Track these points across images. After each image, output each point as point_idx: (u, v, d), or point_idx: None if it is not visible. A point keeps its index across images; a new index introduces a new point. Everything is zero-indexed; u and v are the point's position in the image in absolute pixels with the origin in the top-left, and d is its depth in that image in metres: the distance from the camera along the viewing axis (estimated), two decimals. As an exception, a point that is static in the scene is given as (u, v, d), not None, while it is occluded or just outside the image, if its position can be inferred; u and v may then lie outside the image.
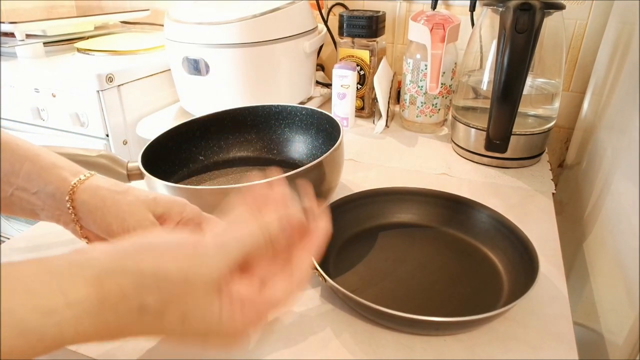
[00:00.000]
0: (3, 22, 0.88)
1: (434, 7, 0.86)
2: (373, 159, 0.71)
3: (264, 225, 0.29)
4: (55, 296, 0.22)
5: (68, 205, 0.36)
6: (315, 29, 0.85)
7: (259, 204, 0.32)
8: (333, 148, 0.50)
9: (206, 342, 0.27)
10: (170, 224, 0.37)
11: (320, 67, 1.04)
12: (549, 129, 0.68)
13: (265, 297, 0.28)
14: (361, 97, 0.86)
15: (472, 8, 0.84)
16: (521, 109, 0.58)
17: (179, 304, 0.25)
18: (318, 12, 0.93)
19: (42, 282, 0.22)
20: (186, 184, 0.59)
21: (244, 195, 0.33)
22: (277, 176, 0.44)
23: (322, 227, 0.32)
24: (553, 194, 0.62)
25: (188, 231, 0.27)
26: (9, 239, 0.81)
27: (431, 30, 0.70)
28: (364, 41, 0.81)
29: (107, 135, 0.82)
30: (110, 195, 0.36)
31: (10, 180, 0.36)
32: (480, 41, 0.70)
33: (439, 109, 0.79)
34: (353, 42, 0.82)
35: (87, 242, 0.39)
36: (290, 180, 0.45)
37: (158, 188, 0.47)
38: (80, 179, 0.36)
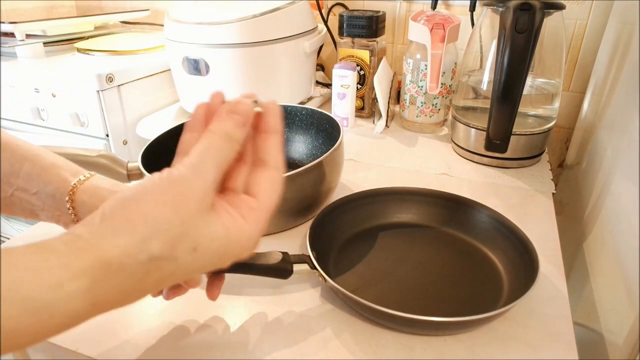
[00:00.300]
0: (3, 22, 0.88)
1: (434, 7, 0.86)
2: (373, 159, 0.71)
3: (216, 128, 0.28)
4: (59, 270, 0.21)
5: (68, 206, 0.36)
6: (315, 29, 0.85)
7: (201, 121, 0.31)
8: (333, 148, 0.50)
9: (224, 261, 0.27)
10: None
11: (320, 67, 1.04)
12: (549, 129, 0.68)
13: (258, 198, 0.28)
14: (361, 97, 0.86)
15: (472, 8, 0.84)
16: (521, 109, 0.58)
17: (185, 238, 0.24)
18: (318, 12, 0.93)
19: (42, 259, 0.21)
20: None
21: (186, 126, 0.32)
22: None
23: (268, 105, 0.30)
24: (553, 194, 0.62)
25: (158, 175, 0.26)
26: (9, 239, 0.81)
27: (431, 30, 0.70)
28: (364, 41, 0.81)
29: (107, 135, 0.82)
30: (110, 195, 0.36)
31: (10, 180, 0.36)
32: (480, 41, 0.70)
33: (439, 109, 0.79)
34: (353, 42, 0.82)
35: None
36: (290, 180, 0.45)
37: (158, 188, 0.47)
38: (80, 180, 0.36)
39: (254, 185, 0.29)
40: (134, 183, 0.48)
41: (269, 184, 0.29)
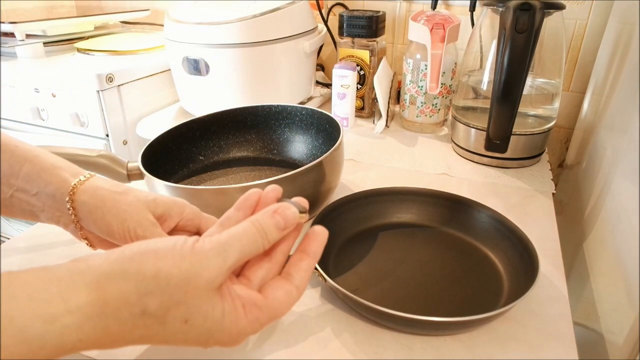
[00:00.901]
0: (3, 22, 0.88)
1: (434, 7, 0.86)
2: (373, 159, 0.71)
3: (256, 220, 0.29)
4: (56, 302, 0.22)
5: (68, 206, 0.36)
6: (315, 29, 0.85)
7: (251, 205, 0.32)
8: (333, 148, 0.50)
9: (208, 343, 0.27)
10: (170, 224, 0.37)
11: (320, 67, 1.04)
12: (549, 129, 0.68)
13: (267, 300, 0.28)
14: (361, 97, 0.86)
15: (472, 8, 0.84)
16: (521, 109, 0.58)
17: (181, 306, 0.25)
18: (318, 12, 0.93)
19: (43, 288, 0.22)
20: (186, 184, 0.59)
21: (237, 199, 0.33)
22: (276, 177, 0.44)
23: (319, 230, 0.32)
24: (553, 194, 0.62)
25: (185, 235, 0.27)
26: (9, 239, 0.81)
27: (431, 30, 0.70)
28: (364, 41, 0.81)
29: (107, 135, 0.82)
30: (111, 195, 0.36)
31: (10, 181, 0.36)
32: (480, 41, 0.70)
33: (439, 109, 0.79)
34: (353, 42, 0.82)
35: (87, 243, 0.39)
36: (290, 180, 0.45)
37: (158, 188, 0.47)
38: (80, 180, 0.36)
39: (269, 289, 0.29)
40: (134, 183, 0.48)
41: (284, 296, 0.29)
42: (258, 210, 0.31)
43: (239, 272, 0.30)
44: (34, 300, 0.21)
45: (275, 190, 0.33)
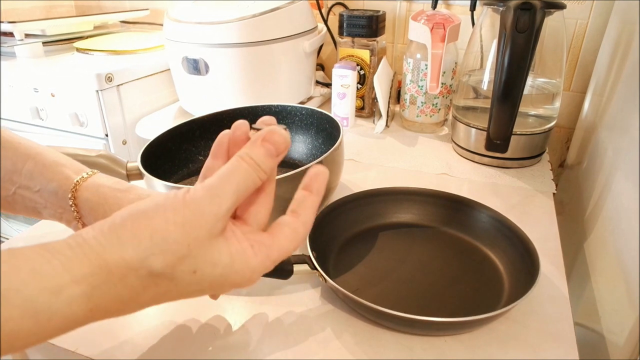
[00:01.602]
0: (2, 22, 0.88)
1: (434, 6, 0.86)
2: (373, 159, 0.71)
3: (245, 154, 0.27)
4: (61, 274, 0.21)
5: (70, 203, 0.36)
6: (315, 28, 0.84)
7: (226, 149, 0.31)
8: (333, 148, 0.50)
9: (224, 288, 0.27)
10: None
11: (320, 66, 1.04)
12: (550, 129, 0.68)
13: (275, 238, 0.28)
14: (361, 97, 0.86)
15: (473, 7, 0.84)
16: (522, 108, 0.58)
17: (187, 260, 0.24)
18: (318, 12, 0.92)
19: (45, 262, 0.21)
20: (186, 184, 0.59)
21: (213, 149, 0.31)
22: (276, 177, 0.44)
23: (320, 168, 0.30)
24: (554, 194, 0.62)
25: (175, 192, 0.26)
26: (8, 239, 0.81)
27: (431, 30, 0.70)
28: (364, 41, 0.81)
29: (107, 135, 0.81)
30: (113, 193, 0.36)
31: (13, 178, 0.36)
32: (481, 41, 0.70)
33: (439, 109, 0.79)
34: (353, 42, 0.82)
35: None
36: (290, 180, 0.45)
37: (157, 188, 0.47)
38: (82, 177, 0.36)
39: (276, 227, 0.29)
40: (133, 183, 0.48)
41: (290, 232, 0.29)
42: (232, 150, 0.30)
43: (236, 214, 0.29)
44: (38, 272, 0.21)
45: (241, 124, 0.31)
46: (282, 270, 0.41)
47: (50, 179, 0.36)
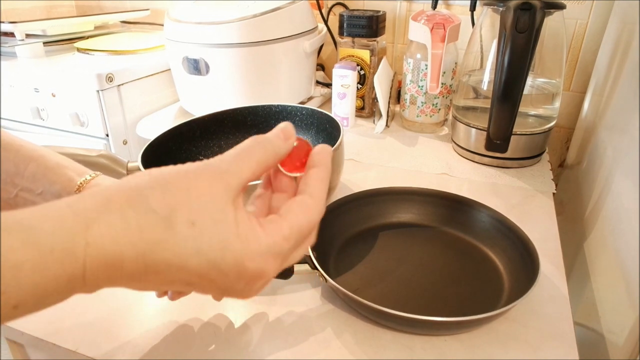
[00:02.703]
0: (3, 22, 0.88)
1: (434, 6, 0.86)
2: (373, 159, 0.71)
3: (262, 137, 0.27)
4: (63, 208, 0.21)
5: None
6: (315, 28, 0.84)
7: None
8: (333, 148, 0.49)
9: (225, 256, 0.23)
10: None
11: (321, 66, 1.04)
12: (550, 129, 0.68)
13: (282, 215, 0.26)
14: (361, 97, 0.86)
15: (473, 8, 0.84)
16: (522, 108, 0.58)
17: (185, 207, 0.23)
18: (318, 12, 0.93)
19: (46, 205, 0.21)
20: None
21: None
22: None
23: (321, 145, 0.30)
24: (554, 194, 0.62)
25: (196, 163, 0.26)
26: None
27: (431, 30, 0.70)
28: (364, 41, 0.81)
29: (107, 135, 0.82)
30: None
31: (15, 181, 0.36)
32: (481, 41, 0.70)
33: (439, 109, 0.79)
34: (353, 42, 0.82)
35: None
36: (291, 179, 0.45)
37: (158, 188, 0.47)
38: (85, 179, 0.36)
39: (282, 208, 0.27)
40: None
41: (298, 207, 0.27)
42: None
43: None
44: (38, 207, 0.21)
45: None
46: (282, 270, 0.41)
47: (53, 181, 0.36)
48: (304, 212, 0.27)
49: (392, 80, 0.84)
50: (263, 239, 0.25)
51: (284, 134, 0.28)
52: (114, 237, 0.21)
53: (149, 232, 0.22)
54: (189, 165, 0.25)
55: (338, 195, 0.53)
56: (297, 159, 0.30)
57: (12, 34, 0.92)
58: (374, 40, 0.81)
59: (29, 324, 0.40)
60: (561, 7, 0.59)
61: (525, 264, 0.43)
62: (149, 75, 0.87)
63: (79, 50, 0.95)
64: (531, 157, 0.69)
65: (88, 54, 0.93)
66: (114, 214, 0.21)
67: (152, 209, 0.22)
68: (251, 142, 0.27)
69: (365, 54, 0.82)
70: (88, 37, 1.06)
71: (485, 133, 0.62)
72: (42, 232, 0.20)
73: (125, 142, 0.84)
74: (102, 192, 0.22)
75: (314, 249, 0.43)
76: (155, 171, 0.24)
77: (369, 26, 0.79)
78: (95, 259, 0.21)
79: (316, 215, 0.28)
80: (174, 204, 0.23)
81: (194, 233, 0.23)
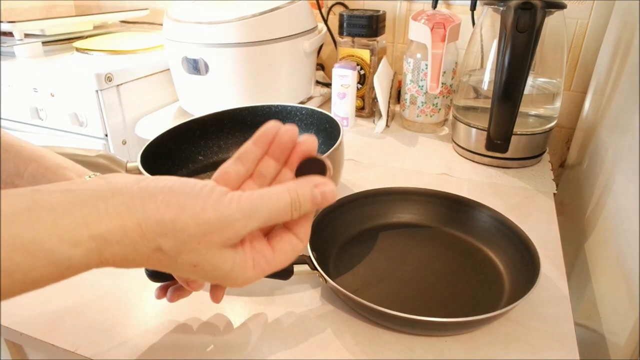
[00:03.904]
0: (2, 22, 0.87)
1: (434, 6, 0.86)
2: (373, 159, 0.71)
3: (294, 190, 0.28)
4: (80, 228, 0.23)
5: None
6: (315, 28, 0.84)
7: (269, 141, 0.31)
8: (333, 148, 0.50)
9: (213, 282, 0.30)
10: None
11: (320, 66, 1.03)
12: (550, 129, 0.68)
13: (275, 254, 0.29)
14: (361, 97, 0.85)
15: (473, 7, 0.84)
16: (522, 108, 0.58)
17: (192, 254, 0.26)
18: (318, 12, 0.92)
19: (67, 213, 0.23)
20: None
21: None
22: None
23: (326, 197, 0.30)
24: (554, 194, 0.62)
25: (214, 185, 0.27)
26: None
27: (432, 30, 0.70)
28: (364, 40, 0.81)
29: (106, 135, 0.81)
30: None
31: (14, 181, 0.36)
32: (481, 41, 0.70)
33: (440, 109, 0.79)
34: (353, 42, 0.82)
35: None
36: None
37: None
38: (85, 180, 0.36)
39: (278, 241, 0.30)
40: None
41: (289, 248, 0.30)
42: (272, 149, 0.31)
43: None
44: (60, 226, 0.22)
45: (292, 131, 0.31)
46: (282, 271, 0.41)
47: (53, 181, 0.36)
48: (292, 253, 0.30)
49: (392, 80, 0.83)
50: (250, 274, 0.28)
51: (322, 202, 0.29)
52: (125, 261, 0.25)
53: (155, 260, 0.26)
54: (204, 209, 0.26)
55: (338, 195, 0.52)
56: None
57: (10, 34, 0.92)
58: (374, 40, 0.81)
59: (28, 325, 0.39)
60: (562, 6, 0.59)
61: (525, 264, 0.43)
62: (148, 75, 0.87)
63: (77, 50, 0.95)
64: (532, 157, 0.68)
65: (87, 53, 0.93)
66: (128, 247, 0.25)
67: (162, 250, 0.25)
68: (282, 193, 0.28)
69: (365, 54, 0.81)
70: (87, 37, 1.06)
71: (485, 133, 0.62)
72: (61, 254, 0.22)
73: (124, 142, 0.84)
74: (121, 215, 0.24)
75: (313, 249, 0.43)
76: (172, 212, 0.25)
77: (369, 26, 0.79)
78: (107, 266, 0.25)
79: (297, 255, 0.31)
80: (182, 250, 0.25)
81: (194, 271, 0.27)
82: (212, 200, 0.26)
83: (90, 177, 0.37)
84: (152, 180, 0.26)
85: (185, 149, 0.61)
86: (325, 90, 0.95)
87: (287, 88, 0.82)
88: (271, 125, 0.31)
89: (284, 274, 0.42)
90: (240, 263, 0.27)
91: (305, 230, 0.30)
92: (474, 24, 0.84)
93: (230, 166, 0.30)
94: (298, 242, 0.30)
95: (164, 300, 0.38)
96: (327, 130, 0.60)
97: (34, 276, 0.22)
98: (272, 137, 0.31)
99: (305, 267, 0.42)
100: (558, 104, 0.68)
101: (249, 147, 0.31)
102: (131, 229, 0.24)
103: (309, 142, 0.31)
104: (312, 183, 0.29)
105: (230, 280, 0.28)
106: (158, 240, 0.25)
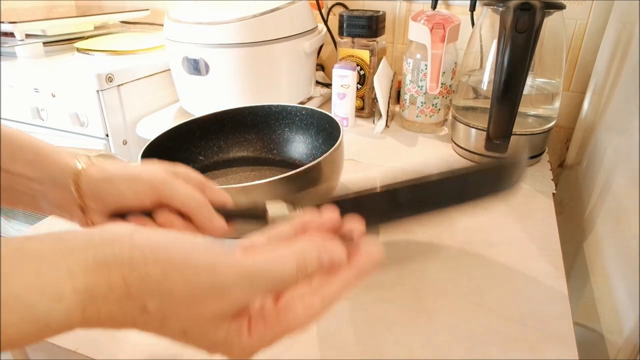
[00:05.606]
0: (3, 22, 0.88)
1: (434, 6, 0.86)
2: (373, 159, 0.71)
3: (301, 255, 0.25)
4: (64, 281, 0.21)
5: (72, 189, 0.35)
6: (315, 28, 0.84)
7: (304, 226, 0.29)
8: (333, 148, 0.50)
9: (209, 351, 0.25)
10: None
11: (320, 67, 1.04)
12: (549, 129, 0.68)
13: (280, 316, 0.24)
14: (361, 97, 0.86)
15: (472, 8, 0.84)
16: (521, 109, 0.58)
17: (179, 320, 0.23)
18: (318, 12, 0.93)
19: (52, 263, 0.21)
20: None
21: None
22: (276, 177, 0.44)
23: (374, 249, 0.27)
24: (553, 194, 0.62)
25: (213, 241, 0.24)
26: (8, 239, 0.81)
27: (431, 30, 0.70)
28: (364, 41, 0.81)
29: (107, 135, 0.82)
30: (120, 165, 0.35)
31: (10, 168, 0.36)
32: (481, 41, 0.70)
33: (439, 109, 0.79)
34: (353, 42, 0.82)
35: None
36: (290, 180, 0.45)
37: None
38: (83, 168, 0.36)
39: (288, 299, 0.25)
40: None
41: (303, 310, 0.24)
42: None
43: None
44: (42, 277, 0.20)
45: (334, 220, 0.28)
46: (252, 214, 0.39)
47: (50, 166, 0.36)
48: (305, 317, 0.24)
49: (392, 80, 0.84)
50: (245, 343, 0.24)
51: (329, 264, 0.25)
52: (111, 320, 0.22)
53: (142, 324, 0.23)
54: (196, 271, 0.23)
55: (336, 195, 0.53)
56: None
57: (11, 34, 0.92)
58: (374, 41, 0.81)
59: (28, 324, 0.40)
60: (561, 7, 0.59)
61: None
62: (149, 76, 0.87)
63: (78, 50, 0.95)
64: (531, 157, 0.69)
65: (88, 54, 0.93)
66: (114, 304, 0.22)
67: (148, 311, 0.22)
68: (287, 257, 0.24)
69: (365, 54, 0.82)
70: (88, 37, 1.06)
71: (485, 133, 0.62)
72: (41, 309, 0.20)
73: (125, 142, 0.84)
74: (107, 268, 0.22)
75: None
76: (159, 269, 0.22)
77: (369, 26, 0.79)
78: (92, 326, 0.22)
79: (316, 319, 0.25)
80: (169, 314, 0.23)
81: (183, 337, 0.24)
82: (208, 260, 0.23)
83: (83, 164, 0.36)
84: (149, 231, 0.24)
85: (185, 149, 0.62)
86: (325, 90, 0.95)
87: (287, 88, 0.82)
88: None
89: (255, 217, 0.35)
90: (235, 330, 0.24)
91: (333, 289, 0.25)
92: (473, 24, 0.85)
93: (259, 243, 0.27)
94: (316, 302, 0.24)
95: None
96: (327, 130, 0.61)
97: (10, 333, 0.19)
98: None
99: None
100: (557, 104, 0.68)
101: (282, 229, 0.29)
102: (117, 284, 0.22)
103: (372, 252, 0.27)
104: (320, 245, 0.25)
105: (225, 349, 0.24)
106: (143, 299, 0.22)
